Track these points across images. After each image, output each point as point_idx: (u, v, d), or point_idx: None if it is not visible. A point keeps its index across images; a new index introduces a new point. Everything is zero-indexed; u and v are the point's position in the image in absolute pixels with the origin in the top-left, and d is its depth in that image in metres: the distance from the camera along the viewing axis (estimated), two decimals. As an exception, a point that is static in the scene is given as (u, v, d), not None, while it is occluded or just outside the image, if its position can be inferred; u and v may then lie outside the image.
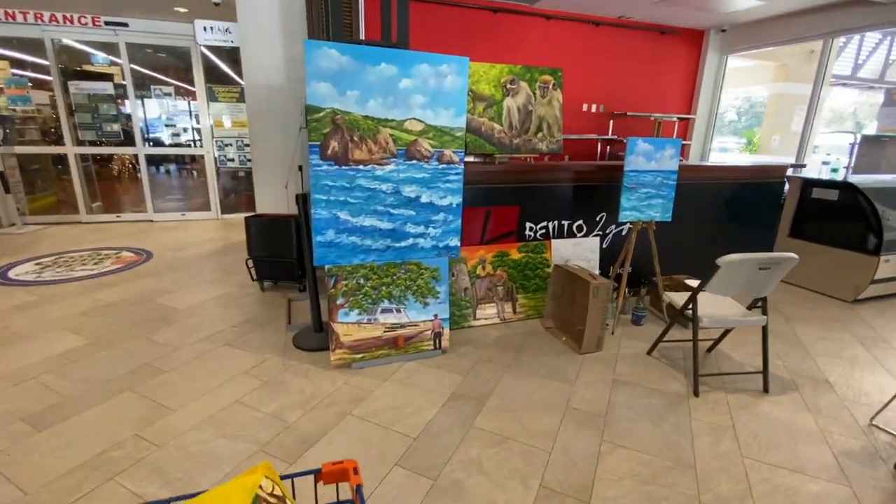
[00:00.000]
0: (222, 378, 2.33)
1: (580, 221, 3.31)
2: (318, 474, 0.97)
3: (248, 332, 2.84)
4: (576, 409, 2.15)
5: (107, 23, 5.36)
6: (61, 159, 5.77)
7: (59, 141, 5.69)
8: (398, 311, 2.50)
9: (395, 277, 2.46)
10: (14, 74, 5.43)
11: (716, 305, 2.44)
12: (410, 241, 2.47)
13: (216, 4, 4.52)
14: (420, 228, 2.48)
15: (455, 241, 2.57)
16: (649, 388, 2.36)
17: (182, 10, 5.03)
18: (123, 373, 2.36)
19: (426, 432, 1.96)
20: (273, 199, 5.21)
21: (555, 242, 3.22)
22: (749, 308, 2.47)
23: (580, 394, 2.28)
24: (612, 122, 6.13)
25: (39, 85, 5.70)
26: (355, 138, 2.24)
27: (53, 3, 4.96)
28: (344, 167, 2.26)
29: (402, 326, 2.52)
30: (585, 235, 3.35)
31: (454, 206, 2.51)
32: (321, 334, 2.72)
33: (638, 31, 6.09)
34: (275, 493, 0.78)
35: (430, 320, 2.57)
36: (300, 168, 3.49)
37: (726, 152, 8.04)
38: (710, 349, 2.78)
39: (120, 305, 3.21)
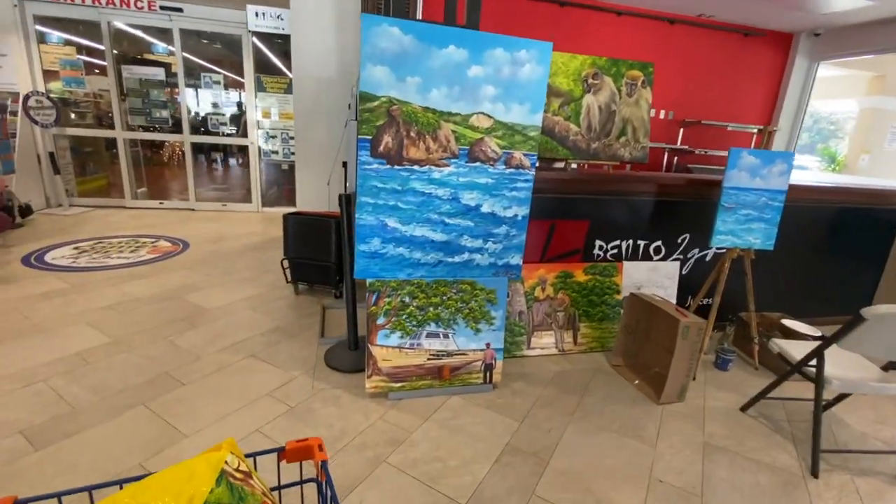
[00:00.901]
0: (244, 399, 2.04)
1: (658, 242, 2.85)
2: (281, 452, 0.95)
3: (276, 343, 2.56)
4: (662, 483, 1.73)
5: (162, 7, 5.30)
6: (113, 143, 5.77)
7: (111, 125, 5.69)
8: (446, 336, 2.15)
9: (444, 297, 2.11)
10: (68, 57, 5.46)
11: (844, 364, 1.95)
12: (466, 256, 2.12)
13: (269, -11, 4.33)
14: (478, 242, 2.11)
15: (517, 260, 2.19)
16: (752, 459, 1.90)
17: (236, -5, 4.89)
18: (140, 382, 2.12)
19: (477, 498, 1.59)
20: (314, 196, 5.00)
21: (627, 265, 2.79)
22: (885, 369, 1.96)
23: (665, 460, 1.85)
24: (682, 130, 5.57)
25: (94, 69, 5.74)
26: (412, 133, 1.90)
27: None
28: (397, 167, 1.92)
29: (449, 355, 2.16)
30: (663, 259, 2.90)
31: (520, 218, 2.13)
32: (356, 353, 2.41)
33: (718, 31, 5.51)
34: (240, 468, 0.77)
35: (482, 350, 2.21)
36: (344, 165, 3.23)
37: (804, 170, 7.26)
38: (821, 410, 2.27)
39: (148, 301, 3.01)
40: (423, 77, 1.86)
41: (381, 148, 1.89)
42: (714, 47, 5.52)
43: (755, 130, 5.83)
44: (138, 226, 4.94)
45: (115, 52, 5.50)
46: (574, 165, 2.70)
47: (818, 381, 1.84)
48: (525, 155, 2.06)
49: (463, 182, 2.02)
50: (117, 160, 5.79)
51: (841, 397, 2.20)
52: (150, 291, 3.17)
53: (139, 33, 5.62)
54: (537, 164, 2.12)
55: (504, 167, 2.05)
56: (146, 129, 5.85)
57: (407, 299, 2.07)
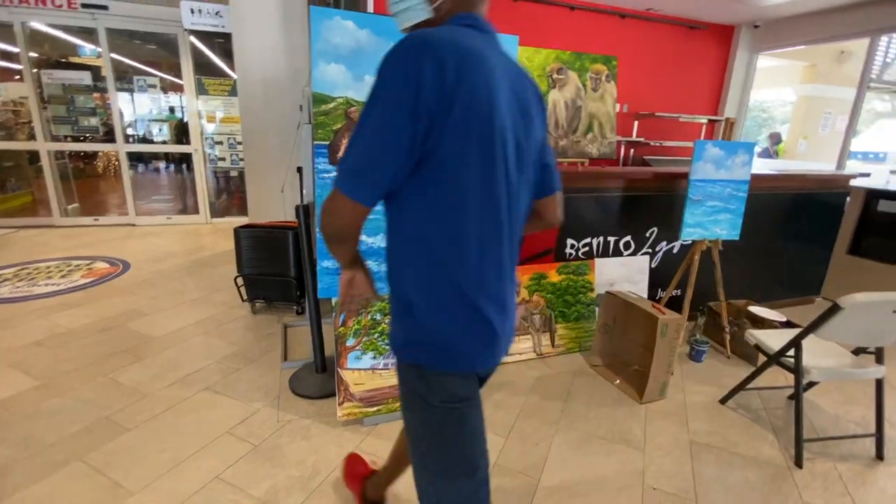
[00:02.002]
0: (200, 440, 1.82)
1: (628, 238, 2.83)
2: None
3: (234, 371, 2.34)
4: (656, 490, 1.67)
5: (84, 5, 4.82)
6: (36, 156, 5.22)
7: (32, 135, 5.14)
8: (422, 352, 2.01)
9: (419, 312, 1.97)
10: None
11: (820, 352, 1.97)
12: (438, 266, 1.98)
13: (205, -16, 4.01)
14: (450, 250, 1.99)
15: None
16: (738, 454, 1.89)
17: (167, -9, 4.52)
18: (75, 431, 1.86)
19: (469, 530, 1.47)
20: (268, 205, 4.69)
21: (599, 262, 2.75)
22: (855, 353, 2.00)
23: (656, 464, 1.80)
24: (636, 122, 5.67)
25: (9, 75, 5.17)
26: (374, 137, 1.75)
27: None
28: (359, 174, 1.76)
29: (427, 371, 2.03)
30: (633, 254, 2.88)
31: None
32: (324, 376, 2.23)
33: (665, 24, 5.63)
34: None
35: (461, 363, 2.08)
36: (299, 170, 3.02)
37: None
38: (792, 396, 2.31)
39: (83, 333, 2.69)
40: (382, 76, 1.71)
41: (341, 153, 1.72)
42: (662, 41, 5.65)
43: (705, 121, 6.02)
44: (70, 246, 4.48)
45: (32, 55, 4.96)
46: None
47: (797, 371, 1.84)
48: (495, 156, 1.95)
49: (431, 187, 1.89)
50: (42, 174, 5.24)
51: (813, 383, 2.24)
52: (86, 322, 2.84)
53: (61, 34, 5.11)
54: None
55: (474, 169, 1.93)
56: (75, 139, 5.33)
57: (379, 316, 1.91)
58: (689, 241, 2.77)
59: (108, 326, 2.78)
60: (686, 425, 2.06)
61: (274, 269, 2.94)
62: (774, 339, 2.02)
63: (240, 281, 3.04)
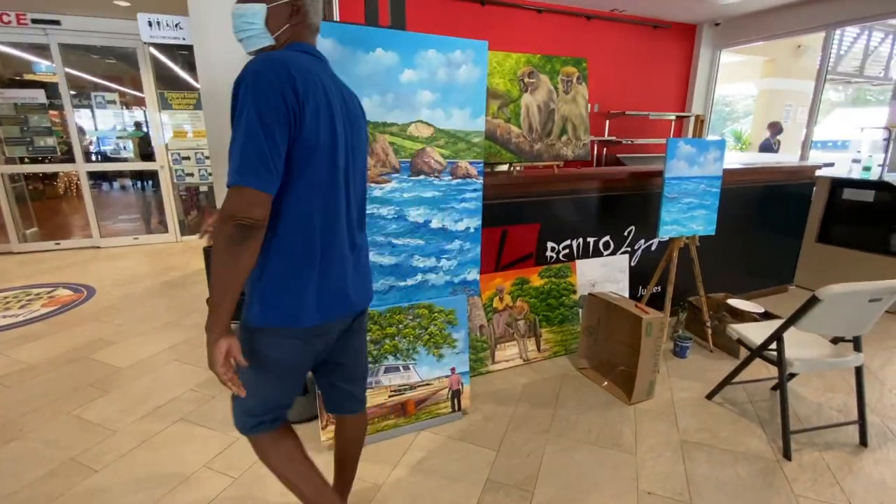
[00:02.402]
0: (176, 476, 1.72)
1: (607, 237, 2.84)
2: None
3: (209, 399, 2.23)
4: (650, 495, 1.65)
5: (34, 20, 4.60)
6: (-11, 180, 4.94)
7: (-18, 159, 4.87)
8: (406, 368, 1.96)
9: (401, 326, 1.91)
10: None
11: (800, 343, 1.99)
12: (419, 277, 1.93)
13: (163, -5, 3.87)
14: (431, 261, 1.94)
15: (474, 274, 2.04)
16: (728, 450, 1.89)
17: (123, 3, 4.34)
18: (39, 476, 1.73)
19: (464, 553, 1.42)
20: (240, 219, 4.56)
21: (580, 263, 2.74)
22: (833, 342, 2.03)
23: (648, 467, 1.79)
24: (608, 122, 5.74)
25: (-45, 94, 4.88)
26: (345, 150, 1.69)
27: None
28: (331, 188, 1.70)
29: (412, 388, 1.97)
30: (612, 253, 2.89)
31: (472, 230, 1.99)
32: (306, 398, 2.14)
33: (630, 25, 5.73)
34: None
35: (447, 376, 2.04)
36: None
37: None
38: (776, 387, 2.34)
39: (44, 368, 2.53)
40: (350, 85, 1.65)
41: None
42: (628, 41, 5.75)
43: (673, 117, 6.15)
44: (29, 273, 4.24)
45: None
46: (519, 168, 2.60)
47: (780, 364, 1.86)
48: (471, 163, 1.91)
49: (408, 198, 1.84)
50: (-5, 199, 4.97)
51: (795, 373, 2.27)
52: (48, 355, 2.67)
53: (11, 51, 4.86)
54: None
55: (450, 178, 1.89)
56: (33, 161, 5.08)
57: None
58: (667, 238, 2.79)
59: (73, 359, 2.62)
60: (675, 424, 2.06)
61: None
62: (756, 333, 2.03)
63: (213, 302, 2.91)
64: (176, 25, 4.02)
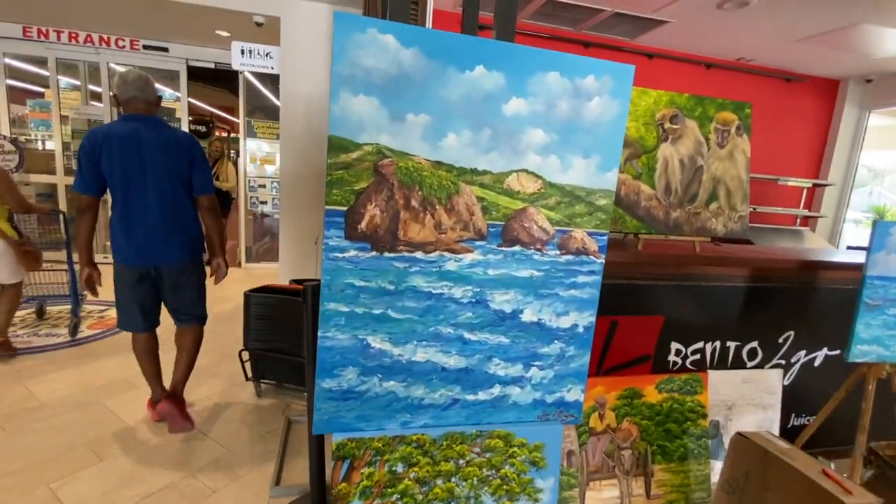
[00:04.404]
0: None
1: (754, 343, 2.06)
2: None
3: (209, 494, 1.74)
4: None
5: (146, 47, 4.83)
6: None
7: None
8: (463, 520, 1.33)
9: (461, 462, 1.31)
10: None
11: None
12: (497, 390, 1.33)
13: (259, 25, 3.82)
14: (516, 369, 1.34)
15: (577, 393, 1.40)
16: None
17: (223, 33, 4.41)
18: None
19: None
20: (300, 255, 4.28)
21: (713, 375, 1.98)
22: None
23: None
24: (723, 184, 4.90)
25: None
26: (414, 202, 1.18)
27: (94, 23, 4.48)
28: (388, 254, 1.18)
29: (469, 552, 1.33)
30: (759, 365, 2.10)
31: (581, 329, 1.36)
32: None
33: (759, 76, 4.96)
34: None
35: (521, 540, 1.37)
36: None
37: (859, 225, 6.50)
38: None
39: (52, 410, 2.21)
40: (432, 114, 1.15)
41: (364, 225, 1.15)
42: (755, 94, 4.95)
43: (808, 185, 5.15)
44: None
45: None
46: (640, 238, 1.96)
47: None
48: (590, 234, 1.32)
49: (493, 276, 1.28)
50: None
51: None
52: (63, 391, 2.38)
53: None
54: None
55: (558, 252, 1.31)
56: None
57: (400, 468, 1.26)
58: (859, 362, 1.96)
59: (83, 402, 2.30)
60: None
61: (286, 344, 2.39)
62: None
63: (245, 355, 2.50)
64: (267, 55, 3.96)
